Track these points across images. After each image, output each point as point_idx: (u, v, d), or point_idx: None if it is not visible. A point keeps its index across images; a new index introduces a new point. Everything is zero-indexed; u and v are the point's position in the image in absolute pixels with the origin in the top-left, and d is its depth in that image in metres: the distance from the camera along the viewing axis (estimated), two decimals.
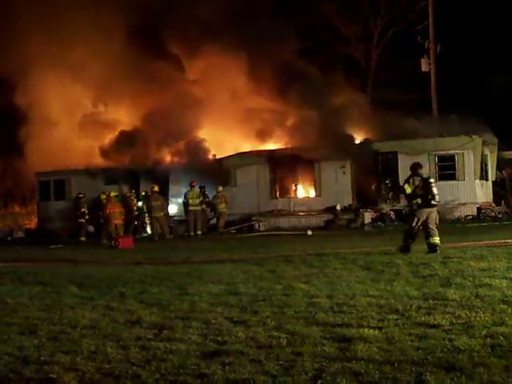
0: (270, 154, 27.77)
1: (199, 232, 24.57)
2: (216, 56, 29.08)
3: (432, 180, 13.50)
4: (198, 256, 15.47)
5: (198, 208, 24.87)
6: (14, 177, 37.80)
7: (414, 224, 13.06)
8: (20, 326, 7.62)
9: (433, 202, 13.09)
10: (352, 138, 27.59)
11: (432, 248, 12.82)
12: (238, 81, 29.40)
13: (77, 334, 7.09)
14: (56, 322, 7.81)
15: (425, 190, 13.07)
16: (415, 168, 13.51)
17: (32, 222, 35.14)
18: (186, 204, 24.93)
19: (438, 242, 12.96)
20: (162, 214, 24.83)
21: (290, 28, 30.52)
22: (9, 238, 29.07)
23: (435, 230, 13.06)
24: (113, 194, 24.46)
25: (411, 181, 13.24)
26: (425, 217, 13.04)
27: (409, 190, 13.12)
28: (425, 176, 13.48)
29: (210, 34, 28.84)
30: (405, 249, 13.08)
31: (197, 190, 25.14)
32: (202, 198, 25.07)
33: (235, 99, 29.47)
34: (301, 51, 31.59)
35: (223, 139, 29.47)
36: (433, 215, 13.16)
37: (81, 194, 26.05)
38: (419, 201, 13.05)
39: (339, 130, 26.89)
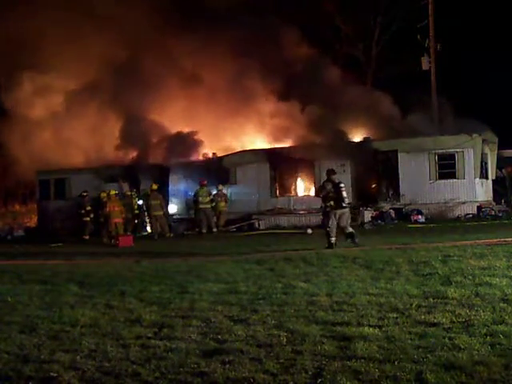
0: (271, 153, 27.76)
1: (204, 230, 24.62)
2: (217, 50, 29.14)
3: (342, 185, 15.05)
4: (198, 254, 15.47)
5: (208, 206, 24.97)
6: (14, 175, 37.78)
7: (330, 223, 14.78)
8: (20, 325, 7.62)
9: (343, 204, 14.81)
10: (352, 137, 27.59)
11: (350, 235, 14.84)
12: (238, 79, 29.41)
13: (77, 333, 7.09)
14: (56, 320, 7.81)
15: (336, 194, 14.77)
16: (328, 174, 15.34)
17: (32, 221, 35.15)
18: (196, 202, 24.94)
19: (352, 230, 14.96)
20: (162, 212, 24.84)
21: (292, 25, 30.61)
22: (9, 237, 29.06)
23: (347, 225, 14.97)
24: (113, 192, 24.46)
25: (324, 186, 15.13)
26: (337, 217, 14.76)
27: (320, 195, 15.17)
28: (336, 181, 15.05)
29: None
30: (330, 246, 14.68)
31: (207, 188, 25.23)
32: (212, 197, 25.17)
33: (235, 97, 29.49)
34: (301, 47, 31.62)
35: (223, 137, 29.50)
36: (345, 215, 14.93)
37: (85, 192, 26.07)
38: (332, 203, 14.78)
39: (339, 129, 26.89)
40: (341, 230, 14.92)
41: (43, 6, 29.46)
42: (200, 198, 24.86)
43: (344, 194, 14.80)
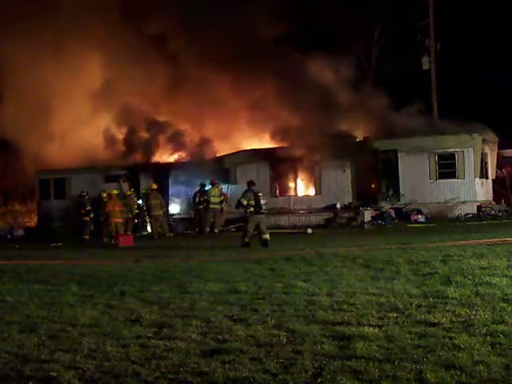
0: (271, 152, 27.75)
1: (216, 230, 24.62)
2: (217, 56, 29.15)
3: (260, 194, 17.10)
4: (198, 254, 15.47)
5: (218, 206, 24.97)
6: (14, 175, 37.78)
7: (249, 227, 16.85)
8: (20, 324, 7.62)
9: (261, 211, 16.94)
10: (352, 136, 27.56)
11: (264, 242, 16.66)
12: (238, 80, 29.39)
13: (77, 333, 7.09)
14: (56, 320, 7.81)
15: (255, 202, 16.76)
16: (249, 185, 17.39)
17: (32, 221, 35.13)
18: (207, 201, 24.91)
19: (268, 237, 16.79)
20: (162, 212, 24.84)
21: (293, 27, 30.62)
22: (9, 236, 29.03)
23: (265, 229, 16.92)
24: (114, 192, 24.44)
25: (246, 195, 17.00)
26: (257, 221, 16.82)
27: (245, 203, 16.90)
28: (255, 191, 17.07)
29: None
30: (245, 244, 16.71)
31: (218, 188, 25.22)
32: (222, 197, 25.16)
33: (236, 97, 29.48)
34: (299, 47, 31.55)
35: (224, 137, 29.49)
36: (262, 220, 16.98)
37: (84, 192, 26.03)
38: (252, 209, 16.79)
39: (339, 128, 26.88)
40: (258, 231, 16.83)
41: None
42: (212, 198, 24.85)
43: (262, 201, 16.90)
